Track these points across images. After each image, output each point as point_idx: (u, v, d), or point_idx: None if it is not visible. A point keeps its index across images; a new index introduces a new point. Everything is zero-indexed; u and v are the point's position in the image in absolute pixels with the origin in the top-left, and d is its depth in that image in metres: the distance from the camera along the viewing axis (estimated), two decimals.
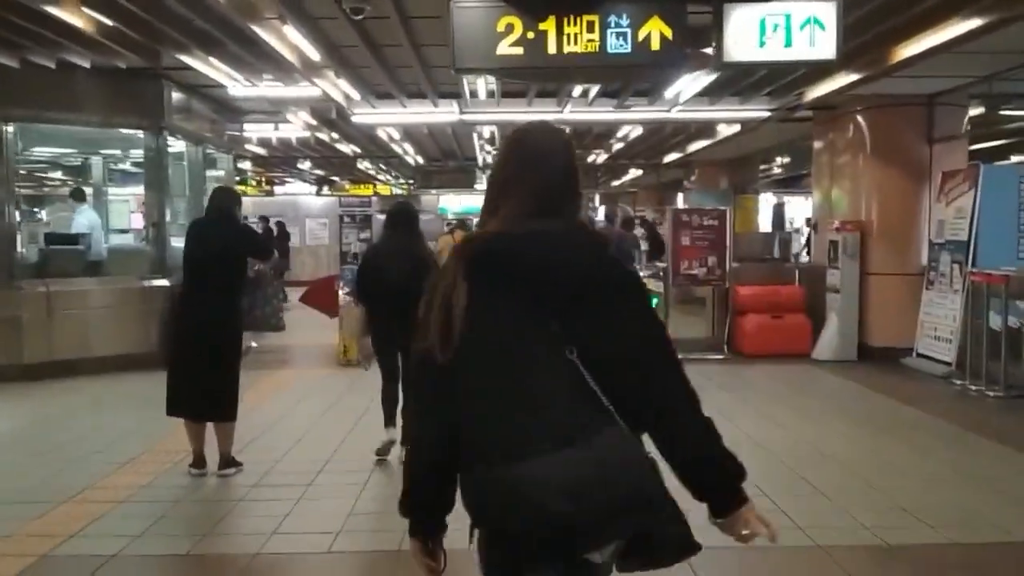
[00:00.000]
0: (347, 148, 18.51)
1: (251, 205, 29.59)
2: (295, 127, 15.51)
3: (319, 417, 8.26)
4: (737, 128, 13.73)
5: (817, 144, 12.92)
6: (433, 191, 27.62)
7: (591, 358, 1.89)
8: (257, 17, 7.42)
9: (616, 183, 25.80)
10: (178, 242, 12.85)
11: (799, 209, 23.47)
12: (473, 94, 10.82)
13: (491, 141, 15.80)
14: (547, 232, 1.98)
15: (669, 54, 5.96)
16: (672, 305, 12.23)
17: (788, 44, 6.06)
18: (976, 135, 11.88)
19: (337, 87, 10.59)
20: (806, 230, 17.05)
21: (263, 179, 25.79)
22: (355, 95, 10.72)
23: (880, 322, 11.32)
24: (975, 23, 7.27)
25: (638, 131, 14.44)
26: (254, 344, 12.95)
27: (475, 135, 14.73)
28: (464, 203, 29.49)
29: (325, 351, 11.76)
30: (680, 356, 2.11)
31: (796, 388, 9.72)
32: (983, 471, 6.38)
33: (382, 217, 8.41)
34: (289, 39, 8.29)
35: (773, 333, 11.64)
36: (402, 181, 26.16)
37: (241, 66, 10.16)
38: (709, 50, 6.31)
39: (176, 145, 12.73)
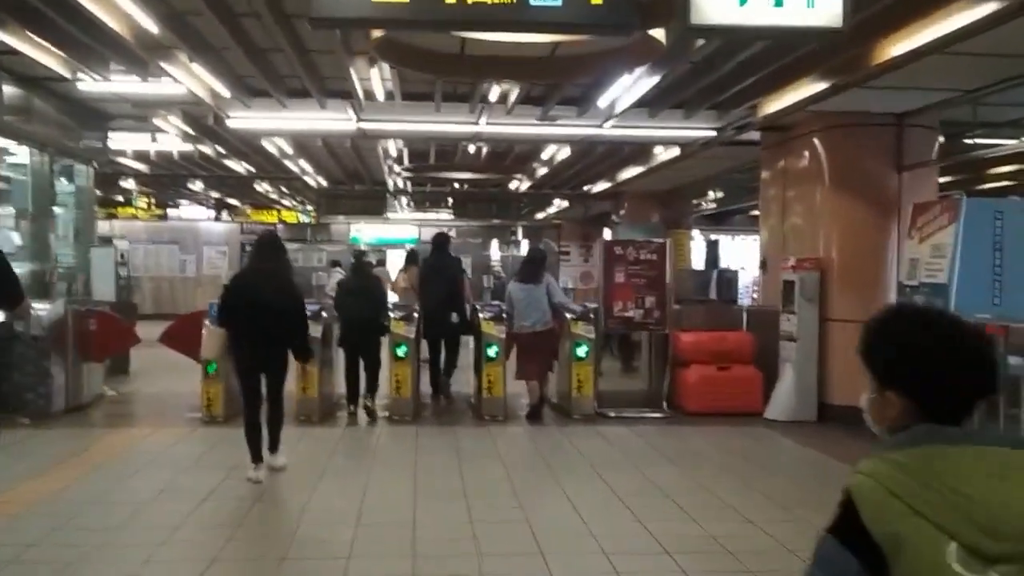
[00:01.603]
0: (239, 166, 16.45)
1: (142, 229, 27.32)
2: (174, 139, 13.47)
3: (148, 501, 6.18)
4: (676, 152, 12.15)
5: (765, 172, 11.40)
6: (341, 218, 25.54)
7: None
8: None
9: (540, 215, 24.12)
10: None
11: (733, 248, 22.17)
12: (368, 95, 8.96)
13: (398, 160, 13.91)
14: None
15: (615, 12, 4.19)
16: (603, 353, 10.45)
17: (779, 4, 4.36)
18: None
19: (201, 81, 8.62)
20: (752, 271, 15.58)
21: (151, 201, 23.34)
22: (224, 92, 8.75)
23: (843, 377, 9.72)
24: (986, 9, 5.75)
25: (565, 152, 12.75)
26: (109, 391, 10.79)
27: (380, 151, 12.85)
28: (378, 233, 27.49)
29: (188, 402, 9.62)
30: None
31: (753, 460, 7.99)
32: None
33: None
34: (119, 5, 6.32)
35: (720, 388, 9.95)
36: (309, 208, 24.04)
37: (77, 50, 8.14)
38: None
39: (18, 153, 10.61)
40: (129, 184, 19.93)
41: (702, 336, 10.18)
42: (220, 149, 14.08)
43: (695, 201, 19.23)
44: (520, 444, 8.49)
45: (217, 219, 26.61)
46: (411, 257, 13.99)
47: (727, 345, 10.12)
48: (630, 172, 14.73)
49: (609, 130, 10.66)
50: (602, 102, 9.03)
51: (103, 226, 27.30)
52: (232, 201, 24.91)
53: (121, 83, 9.63)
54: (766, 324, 10.38)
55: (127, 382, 11.81)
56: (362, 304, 9.25)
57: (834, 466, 7.73)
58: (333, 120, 10.23)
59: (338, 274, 10.53)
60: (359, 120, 10.20)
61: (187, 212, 26.74)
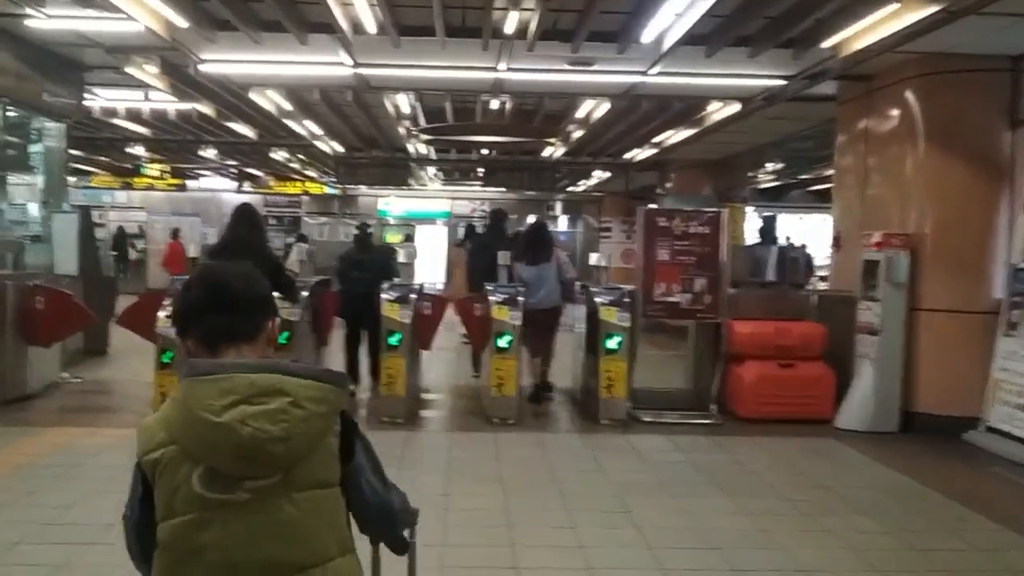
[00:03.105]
0: (249, 131, 14.92)
1: (165, 201, 26.11)
2: (167, 97, 11.98)
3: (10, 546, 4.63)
4: (735, 108, 10.31)
5: (843, 132, 9.57)
6: (368, 190, 24.03)
7: None
8: None
9: (579, 187, 22.30)
10: None
11: (788, 226, 20.18)
12: (356, 27, 7.28)
13: (413, 120, 12.24)
14: None
15: None
16: (641, 344, 8.72)
17: None
18: None
19: (151, 10, 7.03)
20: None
21: (164, 169, 21.98)
22: (180, 21, 7.14)
23: (934, 380, 7.95)
24: None
25: (603, 109, 10.95)
26: (71, 378, 9.38)
27: (391, 108, 11.18)
28: (407, 206, 25.91)
29: (144, 396, 8.11)
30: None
31: (825, 487, 6.21)
32: None
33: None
34: None
35: (781, 388, 8.21)
36: (328, 178, 22.50)
37: None
38: None
39: None
40: (137, 150, 18.47)
41: (761, 326, 8.43)
42: (219, 108, 12.53)
43: (750, 173, 17.34)
44: (529, 457, 6.82)
45: (239, 190, 25.25)
46: (470, 232, 13.39)
47: (791, 338, 8.35)
48: (678, 136, 12.90)
49: (655, 77, 8.89)
50: (646, 36, 7.26)
51: (119, 196, 26.44)
52: (253, 171, 23.48)
53: (71, 20, 8.13)
54: (839, 313, 8.60)
55: (99, 366, 10.38)
56: (367, 277, 8.62)
57: (931, 498, 5.98)
58: (323, 64, 8.60)
59: (300, 248, 9.07)
60: (355, 65, 8.56)
61: (208, 183, 25.41)
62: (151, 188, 24.77)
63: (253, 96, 10.41)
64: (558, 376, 9.57)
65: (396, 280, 8.46)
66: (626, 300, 8.13)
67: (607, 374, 7.92)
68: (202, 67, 8.72)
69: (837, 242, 9.50)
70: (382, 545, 2.15)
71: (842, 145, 9.58)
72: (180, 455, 1.69)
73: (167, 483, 1.70)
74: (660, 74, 8.92)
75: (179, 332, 1.91)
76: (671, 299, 8.35)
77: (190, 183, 25.00)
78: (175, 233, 20.94)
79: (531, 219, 23.16)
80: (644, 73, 8.88)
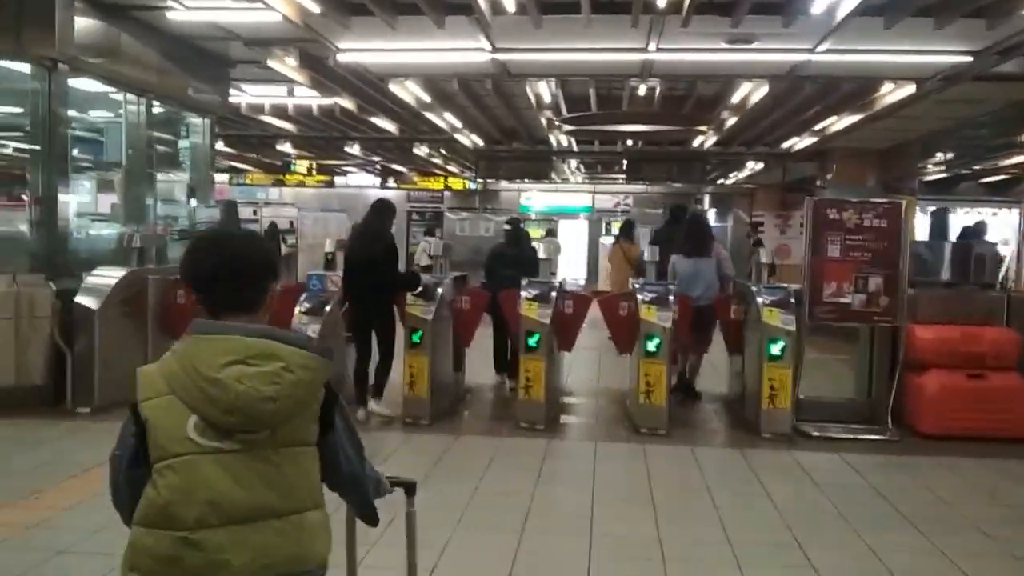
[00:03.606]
0: (390, 125, 14.80)
1: (314, 197, 26.59)
2: (309, 92, 11.95)
3: None
4: (909, 90, 9.29)
5: None
6: (508, 184, 23.65)
7: None
8: None
9: (728, 180, 21.23)
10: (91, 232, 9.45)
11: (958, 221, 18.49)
12: (496, 7, 6.79)
13: (554, 109, 11.70)
14: None
15: None
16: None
17: None
18: None
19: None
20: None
21: (312, 166, 22.28)
22: (313, 7, 6.84)
23: None
24: None
25: (762, 92, 10.08)
26: None
27: (531, 97, 10.69)
28: (549, 201, 25.42)
29: None
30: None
31: None
32: None
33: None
34: None
35: (970, 402, 7.21)
36: (469, 173, 22.26)
37: None
38: None
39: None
40: (286, 148, 18.73)
41: (947, 331, 7.46)
42: (360, 102, 12.38)
43: (920, 164, 15.97)
44: (682, 475, 6.15)
45: (383, 186, 25.43)
46: (627, 228, 13.15)
47: (981, 344, 7.34)
48: (842, 122, 11.87)
49: (823, 55, 8.05)
50: (816, 6, 6.47)
51: (272, 193, 27.11)
52: (397, 167, 23.55)
53: (210, 11, 8.02)
54: None
55: None
56: (515, 274, 7.92)
57: None
58: (461, 50, 8.17)
59: (428, 243, 8.70)
60: (494, 50, 8.10)
61: (354, 179, 25.71)
62: (301, 185, 25.25)
63: (392, 88, 10.13)
64: (709, 379, 8.87)
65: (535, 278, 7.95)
66: (791, 301, 7.33)
67: (770, 382, 7.15)
68: (340, 57, 8.48)
69: None
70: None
71: None
72: (177, 404, 1.83)
73: (163, 428, 1.83)
74: (829, 51, 8.08)
75: (192, 290, 2.05)
76: (842, 300, 7.48)
77: (337, 180, 25.32)
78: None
79: (666, 210, 22.36)
80: (811, 50, 8.06)
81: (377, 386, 7.57)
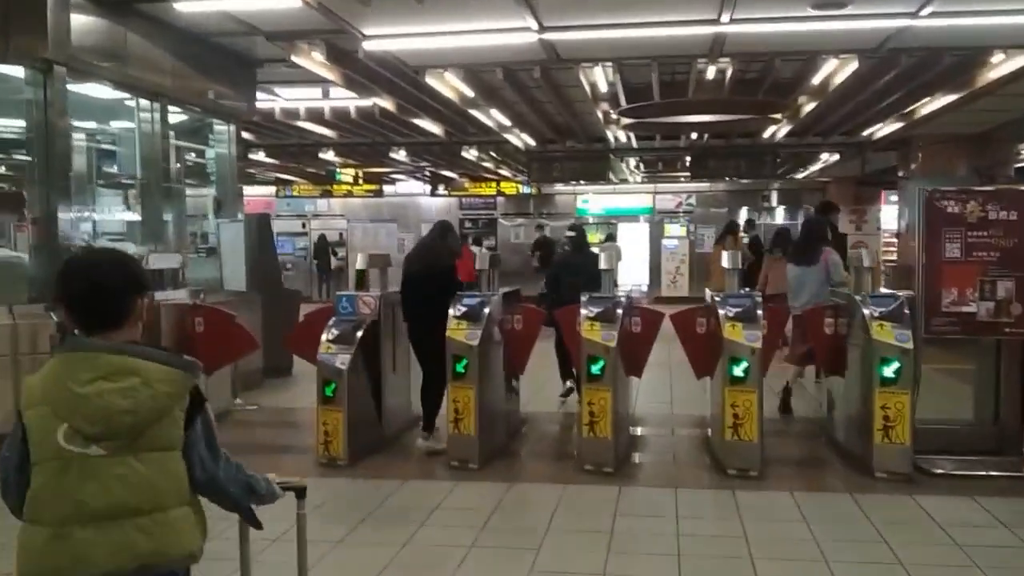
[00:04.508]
0: (436, 127, 13.82)
1: (362, 207, 25.83)
2: (346, 94, 11.07)
3: None
4: (1022, 60, 7.98)
5: None
6: (562, 187, 22.54)
7: None
8: None
9: (800, 174, 19.82)
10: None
11: None
12: None
13: (612, 101, 10.57)
14: None
15: None
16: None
17: None
18: None
19: None
20: None
21: (358, 175, 21.44)
22: None
23: None
24: None
25: (849, 70, 8.81)
26: (247, 405, 8.50)
27: (586, 87, 9.59)
28: (607, 203, 24.24)
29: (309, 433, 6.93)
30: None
31: None
32: None
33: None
34: None
35: None
36: (522, 176, 21.18)
37: None
38: None
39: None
40: (328, 156, 17.89)
41: None
42: (399, 102, 11.40)
43: (1017, 148, 14.51)
44: (786, 533, 4.99)
45: (434, 193, 24.53)
46: (731, 227, 12.82)
47: None
48: (936, 103, 10.53)
49: (926, 20, 6.81)
50: None
51: (320, 204, 26.42)
52: (447, 173, 22.61)
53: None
54: None
55: (280, 390, 9.45)
56: (580, 283, 7.18)
57: None
58: (503, 31, 7.12)
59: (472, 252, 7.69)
60: (541, 29, 7.02)
61: (403, 188, 24.86)
62: (349, 195, 24.52)
63: (431, 81, 9.12)
64: (798, 402, 7.70)
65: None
66: (906, 312, 6.11)
67: (884, 411, 5.93)
68: (367, 45, 7.51)
69: None
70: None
71: None
72: (51, 413, 2.09)
73: (39, 433, 2.10)
74: (933, 15, 6.84)
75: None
76: (965, 309, 6.24)
77: (386, 188, 24.48)
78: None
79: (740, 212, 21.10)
80: (913, 15, 6.83)
81: (427, 416, 6.91)
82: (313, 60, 8.79)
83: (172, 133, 9.12)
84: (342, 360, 6.39)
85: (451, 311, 6.41)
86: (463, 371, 6.26)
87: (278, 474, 2.52)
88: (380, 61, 8.80)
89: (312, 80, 10.47)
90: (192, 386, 2.17)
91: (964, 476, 6.02)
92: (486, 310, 6.47)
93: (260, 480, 2.42)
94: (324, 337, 6.58)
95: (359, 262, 7.20)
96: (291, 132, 15.15)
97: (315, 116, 13.29)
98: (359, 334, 6.58)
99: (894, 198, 18.22)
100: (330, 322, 6.73)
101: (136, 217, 8.78)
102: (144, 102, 8.54)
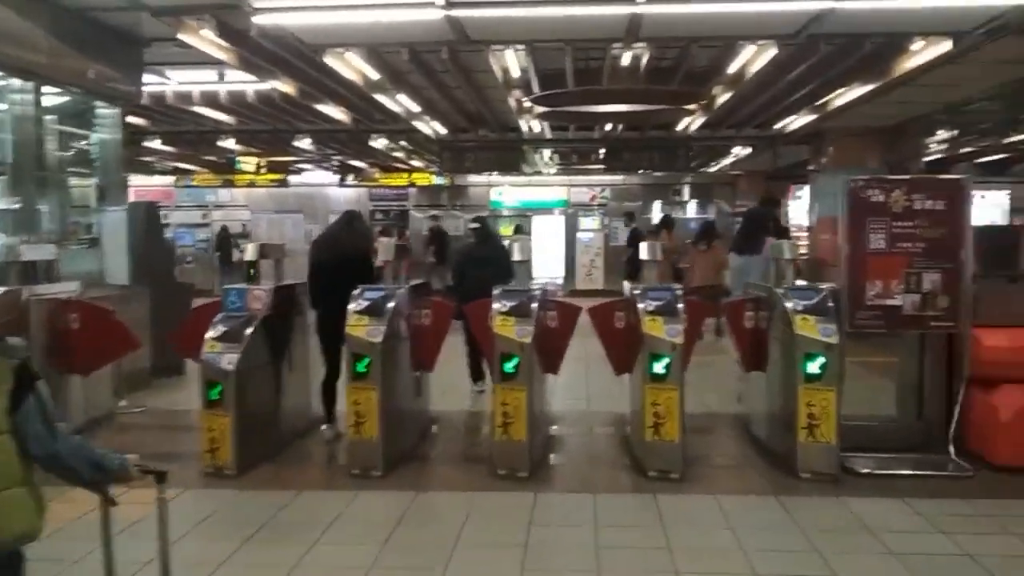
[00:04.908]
0: (340, 114, 13.20)
1: (267, 197, 24.91)
2: (243, 76, 10.37)
3: None
4: (944, 48, 7.87)
5: None
6: (477, 179, 22.08)
7: None
8: None
9: (711, 168, 19.80)
10: None
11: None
12: None
13: (525, 88, 10.18)
14: None
15: None
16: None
17: None
18: None
19: None
20: None
21: (261, 163, 20.57)
22: None
23: None
24: None
25: (764, 59, 8.61)
26: (131, 408, 7.83)
27: (498, 72, 9.16)
28: (521, 196, 23.90)
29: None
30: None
31: None
32: None
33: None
34: None
35: None
36: (435, 167, 20.62)
37: None
38: None
39: None
40: (229, 143, 17.05)
41: (1021, 337, 6.04)
42: (301, 85, 10.77)
43: (927, 141, 14.66)
44: (712, 543, 4.65)
45: (342, 184, 23.78)
46: (666, 221, 13.32)
47: None
48: (851, 94, 10.45)
49: (849, 3, 6.60)
50: None
51: (223, 194, 25.37)
52: (357, 163, 21.89)
53: None
54: None
55: (168, 390, 8.76)
56: (487, 276, 6.97)
57: None
58: (405, 5, 6.65)
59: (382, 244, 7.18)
60: (448, 5, 6.57)
61: (310, 178, 24.03)
62: (252, 185, 23.58)
63: (331, 62, 8.54)
64: (719, 397, 7.45)
65: (511, 283, 6.46)
66: (830, 306, 5.86)
67: (809, 408, 5.67)
68: (258, 20, 6.93)
69: None
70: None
71: None
72: None
73: None
74: None
75: None
76: (891, 302, 6.03)
77: (292, 179, 23.64)
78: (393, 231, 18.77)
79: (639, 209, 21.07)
80: None
81: (329, 408, 6.88)
82: (203, 38, 8.15)
83: (51, 116, 8.40)
84: (229, 360, 5.82)
85: (351, 305, 5.92)
86: (364, 371, 5.76)
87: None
88: (276, 40, 8.22)
89: (206, 61, 9.75)
90: (16, 366, 2.28)
91: (891, 476, 5.81)
92: (390, 304, 5.98)
93: (113, 459, 2.52)
94: (209, 335, 6.00)
95: (249, 252, 6.63)
96: (186, 118, 14.34)
97: (211, 100, 12.54)
98: (248, 331, 6.02)
99: (800, 193, 18.31)
100: (216, 318, 6.15)
101: (7, 206, 8.00)
102: (16, 82, 7.80)
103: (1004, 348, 5.98)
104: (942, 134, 14.71)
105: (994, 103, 12.52)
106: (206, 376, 5.91)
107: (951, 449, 6.06)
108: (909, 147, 14.36)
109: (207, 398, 5.90)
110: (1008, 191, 23.12)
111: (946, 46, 7.81)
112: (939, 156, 16.11)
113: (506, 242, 8.70)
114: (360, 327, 5.82)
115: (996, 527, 4.82)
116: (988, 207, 14.11)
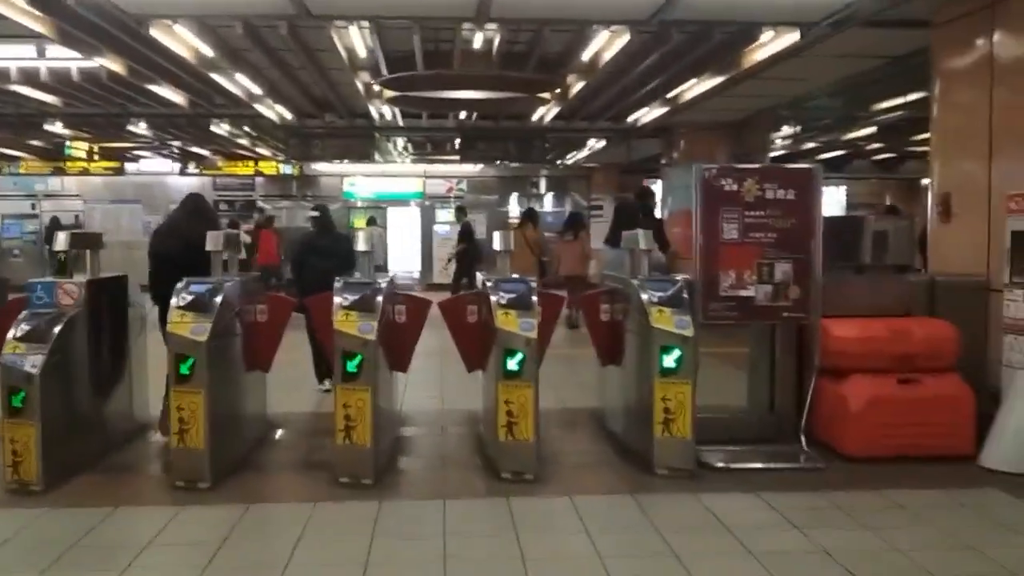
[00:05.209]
0: (178, 96, 12.32)
1: (103, 186, 23.44)
2: (66, 53, 9.40)
3: None
4: (792, 38, 7.92)
5: (948, 66, 7.22)
6: (327, 167, 21.34)
7: None
8: None
9: (567, 160, 19.79)
10: None
11: None
12: None
13: (373, 70, 9.70)
14: None
15: None
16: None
17: None
18: None
19: None
20: None
21: (93, 149, 19.21)
22: None
23: None
24: None
25: (617, 46, 8.46)
26: None
27: (343, 53, 8.66)
28: (376, 187, 23.30)
29: None
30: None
31: None
32: None
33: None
34: None
35: (903, 414, 5.82)
36: (281, 155, 19.76)
37: None
38: None
39: None
40: (56, 128, 15.75)
41: (870, 327, 6.07)
42: (130, 63, 9.91)
43: (771, 136, 15.04)
44: (567, 547, 4.39)
45: (183, 172, 22.54)
46: (530, 214, 13.04)
47: (913, 343, 5.98)
48: (701, 87, 10.48)
49: None
50: None
51: (53, 183, 23.65)
52: (198, 150, 20.75)
53: None
54: (960, 306, 6.28)
55: None
56: (329, 267, 6.78)
57: None
58: None
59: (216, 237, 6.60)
60: None
61: (149, 165, 22.65)
62: (86, 172, 22.03)
63: (159, 35, 7.83)
64: (575, 392, 7.23)
65: (356, 275, 6.02)
66: (685, 297, 5.71)
67: (664, 403, 5.50)
68: None
69: (945, 208, 7.12)
70: None
71: (948, 80, 7.23)
72: None
73: None
74: None
75: None
76: (743, 293, 5.94)
77: (129, 166, 22.22)
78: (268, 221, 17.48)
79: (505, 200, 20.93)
80: None
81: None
82: (13, 6, 7.29)
83: None
84: (33, 362, 5.15)
85: (173, 300, 5.35)
86: (188, 373, 5.21)
87: None
88: (96, 9, 7.46)
89: (21, 34, 8.81)
90: None
91: (746, 470, 5.72)
92: (218, 299, 5.44)
93: None
94: (11, 334, 5.30)
95: (59, 243, 5.91)
96: (6, 99, 13.11)
97: (31, 79, 11.44)
98: (57, 329, 5.36)
99: (654, 187, 18.54)
100: (21, 316, 5.46)
101: None
102: None
103: (853, 339, 5.98)
104: (787, 129, 15.18)
105: (834, 99, 12.95)
106: (6, 381, 5.22)
107: (803, 440, 6.04)
108: (756, 142, 14.69)
109: (9, 405, 5.20)
110: (846, 187, 24.41)
111: (794, 37, 7.85)
112: (783, 152, 16.60)
113: (357, 233, 8.29)
114: (183, 324, 5.26)
115: (849, 521, 4.75)
116: (827, 202, 14.67)
